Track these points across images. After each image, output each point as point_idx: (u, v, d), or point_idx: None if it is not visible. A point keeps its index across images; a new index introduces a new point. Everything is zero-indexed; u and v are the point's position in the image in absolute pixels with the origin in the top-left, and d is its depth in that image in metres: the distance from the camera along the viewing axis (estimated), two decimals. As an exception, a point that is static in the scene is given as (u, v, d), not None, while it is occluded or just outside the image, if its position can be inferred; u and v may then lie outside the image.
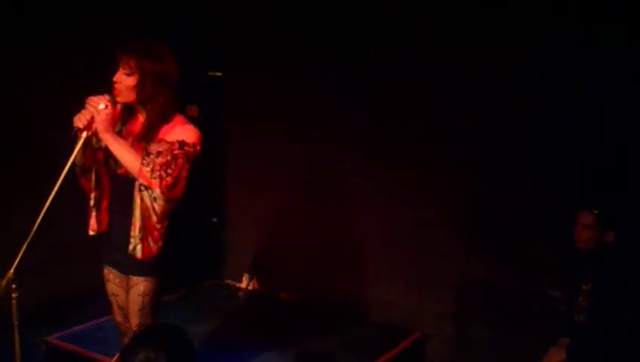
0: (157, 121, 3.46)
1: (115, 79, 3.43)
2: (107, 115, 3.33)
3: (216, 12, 6.12)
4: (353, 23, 5.51)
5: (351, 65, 5.57)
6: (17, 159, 5.06)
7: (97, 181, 3.58)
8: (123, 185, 3.48)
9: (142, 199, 3.38)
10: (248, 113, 6.15)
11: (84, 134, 3.30)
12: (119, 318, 3.80)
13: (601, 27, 4.58)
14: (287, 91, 5.91)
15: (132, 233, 3.45)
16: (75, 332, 5.11)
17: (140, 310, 3.59)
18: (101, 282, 3.79)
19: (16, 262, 3.04)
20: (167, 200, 3.38)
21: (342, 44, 5.57)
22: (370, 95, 5.54)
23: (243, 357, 4.91)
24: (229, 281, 6.47)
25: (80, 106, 3.36)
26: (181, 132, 3.45)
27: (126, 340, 3.64)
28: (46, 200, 3.16)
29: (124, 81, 3.42)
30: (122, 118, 3.53)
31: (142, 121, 3.51)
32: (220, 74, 6.28)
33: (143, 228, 3.43)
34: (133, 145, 3.42)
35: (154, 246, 3.47)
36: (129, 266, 3.57)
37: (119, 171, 3.50)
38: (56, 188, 3.17)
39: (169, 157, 3.35)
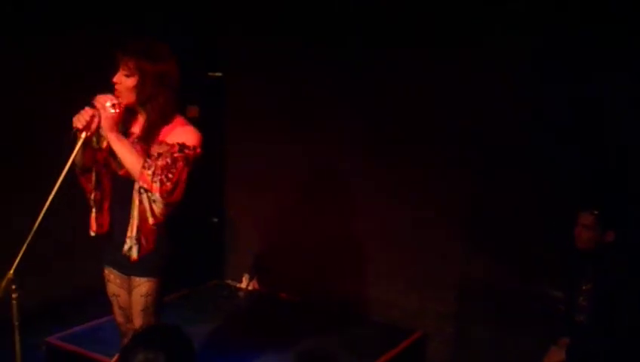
0: (157, 122, 3.45)
1: (114, 80, 3.43)
2: (114, 113, 3.34)
3: (216, 12, 6.12)
4: (353, 22, 5.50)
5: (351, 65, 5.57)
6: (17, 159, 5.06)
7: (98, 181, 3.58)
8: (124, 186, 3.48)
9: (141, 201, 3.39)
10: (248, 113, 6.15)
11: (84, 134, 3.29)
12: (120, 319, 3.80)
13: (601, 27, 4.58)
14: (287, 91, 5.91)
15: (128, 233, 3.46)
16: (75, 332, 5.11)
17: (142, 310, 3.60)
18: (102, 282, 3.79)
19: (16, 262, 3.04)
20: (167, 204, 3.38)
21: (342, 44, 5.57)
22: (370, 95, 5.54)
23: (243, 357, 4.91)
24: (230, 281, 6.47)
25: (80, 106, 3.35)
26: (181, 134, 3.44)
27: (126, 341, 3.64)
28: (46, 201, 3.16)
29: (124, 82, 3.41)
30: (123, 120, 3.51)
31: (142, 122, 3.50)
32: (220, 74, 6.28)
33: (139, 230, 3.44)
34: (133, 147, 3.42)
35: (147, 246, 3.48)
36: (131, 267, 3.57)
37: (120, 172, 3.50)
38: (56, 188, 3.16)
39: (169, 160, 3.35)
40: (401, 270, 5.57)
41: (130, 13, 5.44)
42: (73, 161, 3.28)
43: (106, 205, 3.62)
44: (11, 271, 3.02)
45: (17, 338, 3.09)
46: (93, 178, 3.57)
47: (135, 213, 3.42)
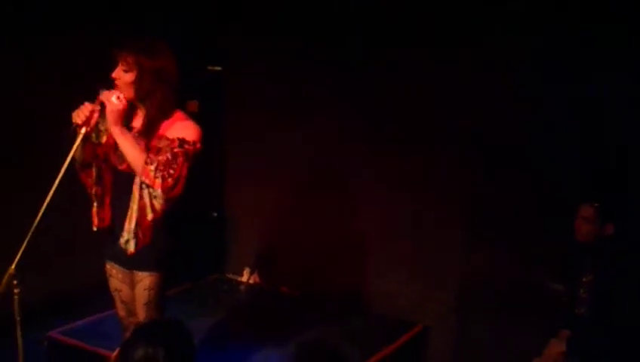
0: (156, 117, 3.47)
1: (113, 75, 3.45)
2: (119, 107, 3.35)
3: (216, 12, 6.12)
4: (353, 23, 5.51)
5: (351, 65, 5.58)
6: (17, 159, 5.05)
7: (99, 177, 3.60)
8: (125, 181, 3.49)
9: (141, 196, 3.40)
10: (249, 107, 6.16)
11: (83, 130, 3.31)
12: (122, 313, 3.81)
13: (601, 27, 4.58)
14: (287, 85, 5.91)
15: (126, 227, 3.48)
16: (77, 327, 5.11)
17: (145, 304, 3.61)
18: (103, 277, 3.79)
19: (18, 257, 3.04)
20: (167, 199, 3.39)
21: (342, 44, 5.58)
22: (370, 94, 5.55)
23: (244, 350, 4.92)
24: (231, 275, 6.49)
25: (80, 104, 3.37)
26: (181, 129, 3.45)
27: (128, 335, 3.65)
28: (46, 198, 3.16)
29: (123, 78, 3.43)
30: (124, 115, 3.52)
31: (142, 118, 3.52)
32: (219, 68, 6.29)
33: (138, 224, 3.45)
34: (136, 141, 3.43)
35: (144, 240, 3.48)
36: (132, 261, 3.58)
37: (121, 167, 3.51)
38: (56, 183, 3.16)
39: (169, 155, 3.36)
40: (402, 263, 5.58)
41: (130, 13, 5.44)
42: (73, 157, 3.30)
43: (107, 200, 3.62)
44: (13, 267, 3.03)
45: (19, 333, 3.09)
46: (94, 173, 3.58)
47: (135, 206, 3.43)
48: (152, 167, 3.34)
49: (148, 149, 3.40)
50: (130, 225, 3.46)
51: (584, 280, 4.09)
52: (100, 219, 3.63)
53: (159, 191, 3.35)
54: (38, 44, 5.05)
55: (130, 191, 3.45)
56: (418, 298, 5.53)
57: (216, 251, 6.52)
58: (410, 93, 5.34)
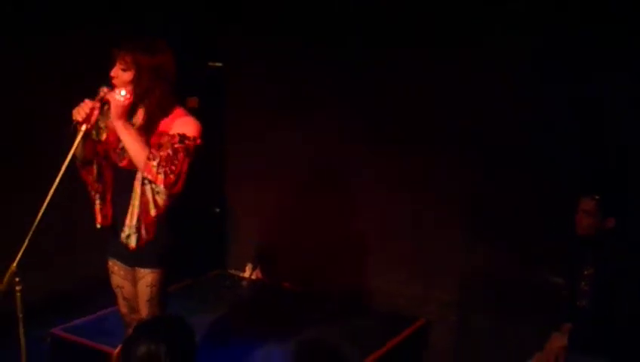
0: (156, 114, 3.49)
1: (112, 74, 3.46)
2: (124, 101, 3.36)
3: (216, 12, 6.13)
4: (353, 23, 5.51)
5: (351, 65, 5.58)
6: (17, 159, 5.05)
7: (100, 174, 3.60)
8: (126, 178, 3.51)
9: (143, 193, 3.42)
10: (249, 103, 6.17)
11: (84, 127, 3.31)
12: (124, 310, 3.82)
13: (601, 27, 4.59)
14: (287, 81, 5.92)
15: (127, 222, 3.49)
16: (79, 324, 5.12)
17: (148, 301, 3.62)
18: (105, 274, 3.79)
19: (19, 255, 3.04)
20: (170, 195, 3.41)
21: (342, 44, 5.58)
22: (370, 94, 5.56)
23: (246, 346, 4.91)
24: (233, 271, 6.49)
25: (80, 101, 3.37)
26: (181, 125, 3.47)
27: (130, 331, 3.65)
28: (46, 196, 3.15)
29: (121, 76, 3.44)
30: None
31: (142, 115, 3.53)
32: (220, 64, 6.29)
33: (139, 219, 3.47)
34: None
35: (146, 235, 3.50)
36: (134, 258, 3.59)
37: (121, 164, 3.53)
38: (57, 181, 3.16)
39: (170, 152, 3.38)
40: (402, 263, 5.58)
41: (130, 13, 5.44)
42: (73, 154, 3.30)
43: (109, 197, 3.63)
44: (14, 264, 3.03)
45: (22, 330, 3.09)
46: (95, 170, 3.59)
47: (136, 202, 3.45)
48: (155, 163, 3.35)
49: (148, 146, 3.41)
50: (131, 220, 3.48)
51: (585, 273, 4.08)
52: (103, 216, 3.64)
53: (162, 186, 3.37)
54: (38, 44, 5.05)
55: (131, 188, 3.47)
56: (418, 297, 5.53)
57: (218, 247, 6.54)
58: (410, 93, 5.35)
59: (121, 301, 3.80)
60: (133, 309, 3.74)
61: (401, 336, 5.24)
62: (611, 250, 3.98)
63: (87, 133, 3.35)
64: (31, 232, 3.09)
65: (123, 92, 3.36)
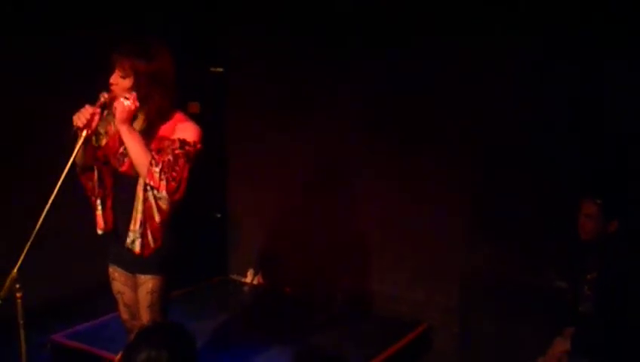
0: (156, 120, 3.48)
1: (111, 81, 3.44)
2: (130, 106, 3.35)
3: (216, 12, 6.12)
4: (353, 23, 5.51)
5: (351, 65, 5.58)
6: (17, 159, 5.05)
7: (100, 179, 3.59)
8: (126, 184, 3.50)
9: (146, 199, 3.42)
10: (250, 108, 6.17)
11: (84, 133, 3.29)
12: (125, 316, 3.81)
13: (601, 27, 4.58)
14: (287, 86, 5.92)
15: (132, 227, 3.48)
16: (80, 330, 5.11)
17: (149, 307, 3.61)
18: (106, 280, 3.78)
19: (20, 261, 3.04)
20: (171, 201, 3.42)
21: (342, 44, 5.58)
22: (371, 95, 5.55)
23: (248, 352, 4.91)
24: (234, 276, 6.50)
25: (80, 106, 3.35)
26: (181, 130, 3.47)
27: (132, 337, 3.65)
28: (47, 200, 3.15)
29: (121, 84, 3.43)
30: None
31: (141, 121, 3.51)
32: (221, 70, 6.29)
33: (144, 224, 3.46)
34: None
35: (153, 243, 3.50)
36: (136, 264, 3.59)
37: (121, 169, 3.52)
38: (57, 187, 3.16)
39: (171, 157, 3.37)
40: (402, 263, 5.59)
41: (130, 13, 5.43)
42: (74, 160, 3.28)
43: (109, 202, 3.62)
44: (15, 271, 3.03)
45: (23, 337, 3.09)
46: (95, 176, 3.58)
47: (140, 207, 3.44)
48: (157, 169, 3.34)
49: (150, 151, 3.39)
50: (135, 226, 3.47)
51: (588, 277, 4.07)
52: (104, 222, 3.63)
53: (164, 193, 3.37)
54: (38, 44, 5.05)
55: (131, 193, 3.46)
56: (419, 298, 5.53)
57: (219, 252, 6.53)
58: (411, 93, 5.35)
59: (122, 307, 3.79)
60: (134, 315, 3.72)
61: (403, 341, 5.24)
62: (614, 253, 3.98)
63: (87, 139, 3.33)
64: (31, 238, 3.08)
65: (129, 97, 3.35)
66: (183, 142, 3.42)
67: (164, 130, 3.48)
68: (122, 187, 3.54)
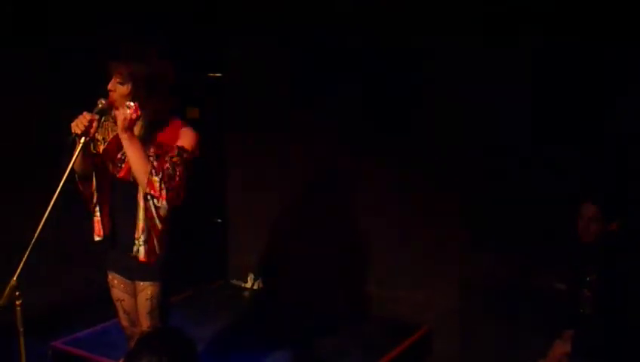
0: (154, 125, 3.49)
1: (109, 87, 3.45)
2: (133, 115, 3.35)
3: (216, 12, 6.11)
4: (353, 23, 5.50)
5: (351, 66, 5.57)
6: (17, 159, 5.06)
7: (98, 186, 3.59)
8: (124, 190, 3.51)
9: (147, 208, 3.43)
10: (249, 113, 6.15)
11: (83, 139, 3.28)
12: (125, 323, 3.81)
13: (601, 27, 4.57)
14: (286, 91, 5.91)
15: (136, 235, 3.49)
16: (80, 336, 5.11)
17: (149, 313, 3.62)
18: (106, 287, 3.79)
19: (19, 269, 3.04)
20: (170, 208, 3.43)
21: (342, 44, 5.57)
22: (371, 95, 5.54)
23: (248, 357, 4.93)
24: (235, 281, 6.49)
25: (80, 107, 3.36)
26: (180, 136, 3.48)
27: (132, 344, 3.65)
28: (46, 208, 3.15)
29: (119, 90, 3.43)
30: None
31: (139, 127, 3.51)
32: (220, 75, 6.28)
33: (148, 232, 3.47)
34: None
35: (158, 250, 3.51)
36: (134, 271, 3.60)
37: (119, 175, 3.52)
38: (56, 194, 3.16)
39: (169, 166, 3.38)
40: (405, 267, 5.58)
41: (130, 13, 5.43)
42: (72, 167, 3.27)
43: (106, 209, 3.62)
44: (14, 279, 3.03)
45: (23, 344, 3.10)
46: (94, 182, 3.58)
47: (141, 215, 3.46)
48: (157, 178, 3.35)
49: (149, 158, 3.40)
50: (139, 233, 3.48)
51: (588, 279, 4.08)
52: (102, 229, 3.63)
53: (164, 202, 3.38)
54: (38, 44, 5.05)
55: (129, 199, 3.47)
56: (419, 300, 5.53)
57: (220, 258, 6.54)
58: (411, 93, 5.34)
59: (121, 314, 3.80)
60: (134, 322, 3.73)
61: (404, 344, 5.25)
62: (615, 255, 3.99)
63: (85, 146, 3.32)
64: (30, 246, 3.08)
65: (131, 106, 3.35)
66: (182, 150, 3.43)
67: (162, 135, 3.49)
68: (120, 193, 3.55)
